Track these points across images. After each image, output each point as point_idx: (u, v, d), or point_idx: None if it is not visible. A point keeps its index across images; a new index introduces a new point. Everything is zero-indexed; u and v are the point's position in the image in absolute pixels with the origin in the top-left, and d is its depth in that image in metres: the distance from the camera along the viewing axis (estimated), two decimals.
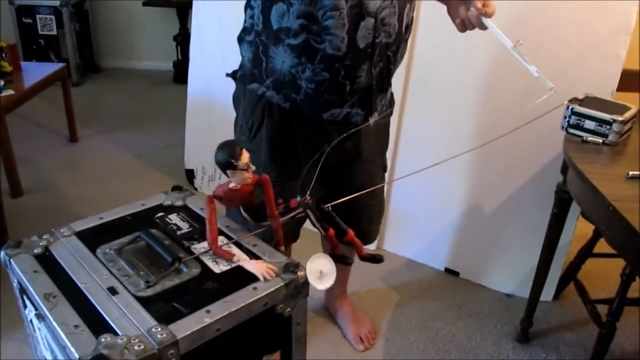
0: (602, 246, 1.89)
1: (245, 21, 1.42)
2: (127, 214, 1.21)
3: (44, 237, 1.11)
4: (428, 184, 2.34)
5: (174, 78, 4.61)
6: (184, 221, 1.19)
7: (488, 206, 2.30)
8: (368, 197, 1.65)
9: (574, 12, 1.94)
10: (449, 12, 1.36)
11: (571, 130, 1.70)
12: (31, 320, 1.06)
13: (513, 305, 2.26)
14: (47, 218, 2.74)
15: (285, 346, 1.08)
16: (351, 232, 1.12)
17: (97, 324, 0.89)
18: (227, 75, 1.53)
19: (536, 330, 2.10)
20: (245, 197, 1.05)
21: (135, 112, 4.02)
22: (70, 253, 1.07)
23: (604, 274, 2.34)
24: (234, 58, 1.53)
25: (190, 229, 1.16)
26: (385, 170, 1.75)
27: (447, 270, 2.45)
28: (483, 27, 1.25)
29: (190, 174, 3.07)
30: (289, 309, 1.03)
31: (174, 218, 1.20)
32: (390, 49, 1.40)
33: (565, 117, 1.71)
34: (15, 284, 1.08)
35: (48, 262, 1.05)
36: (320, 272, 1.02)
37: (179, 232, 1.15)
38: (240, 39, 1.46)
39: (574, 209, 1.88)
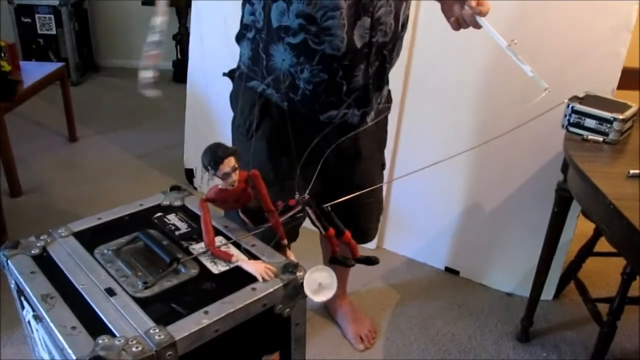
0: (602, 245, 1.88)
1: (244, 18, 1.41)
2: (125, 214, 1.21)
3: (41, 237, 1.11)
4: (428, 182, 2.33)
5: (173, 77, 4.60)
6: (182, 221, 1.18)
7: (488, 205, 2.29)
8: (367, 195, 1.64)
9: (574, 11, 1.93)
10: (443, 10, 1.35)
11: (571, 129, 1.70)
12: (29, 322, 1.05)
13: (513, 304, 2.25)
14: (46, 217, 2.73)
15: (284, 347, 1.07)
16: (348, 234, 1.11)
17: (95, 325, 0.89)
18: (224, 74, 1.52)
19: (537, 330, 2.10)
20: (238, 197, 1.05)
21: (134, 111, 4.01)
22: (68, 254, 1.07)
23: (605, 273, 2.34)
24: (233, 57, 1.53)
25: (189, 229, 1.16)
26: (383, 168, 1.75)
27: (447, 269, 2.45)
28: (477, 26, 1.25)
29: (189, 174, 3.07)
30: (288, 310, 1.02)
31: (172, 218, 1.19)
32: (386, 48, 1.39)
33: (565, 116, 1.70)
34: (12, 285, 1.08)
35: (45, 263, 1.04)
36: (319, 284, 1.02)
37: (177, 233, 1.14)
38: (241, 36, 1.45)
39: (575, 208, 1.88)
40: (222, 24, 2.56)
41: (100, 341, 0.85)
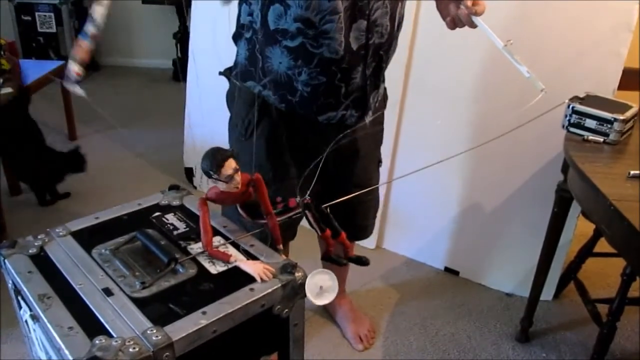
0: (602, 245, 1.88)
1: (241, 18, 1.40)
2: (124, 213, 1.20)
3: (39, 237, 1.10)
4: (428, 182, 2.33)
5: (173, 76, 4.60)
6: (180, 221, 1.18)
7: (488, 205, 2.29)
8: (365, 193, 1.65)
9: (575, 10, 1.93)
10: (439, 9, 1.35)
11: (572, 129, 1.69)
12: (26, 321, 1.05)
13: (513, 305, 2.25)
14: (45, 216, 2.73)
15: (282, 347, 1.07)
16: (343, 234, 1.11)
17: (92, 326, 0.89)
18: (220, 73, 1.52)
19: (536, 330, 2.09)
20: (238, 198, 1.04)
21: (134, 109, 4.01)
22: (65, 253, 1.06)
23: (605, 274, 2.34)
24: (232, 56, 1.52)
25: (187, 228, 1.15)
26: (380, 164, 1.75)
27: (446, 269, 2.44)
28: (473, 26, 1.24)
29: (189, 172, 3.06)
30: (286, 310, 1.02)
31: (170, 218, 1.19)
32: (382, 49, 1.39)
33: (566, 116, 1.70)
34: (10, 285, 1.07)
35: (43, 263, 1.04)
36: (320, 287, 1.01)
37: (175, 232, 1.14)
38: (238, 36, 1.44)
39: (575, 208, 1.87)
40: (222, 22, 2.55)
41: (97, 342, 0.84)
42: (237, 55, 1.47)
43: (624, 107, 1.66)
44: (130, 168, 3.24)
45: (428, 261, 2.48)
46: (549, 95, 1.72)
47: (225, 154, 0.99)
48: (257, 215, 1.09)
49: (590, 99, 1.71)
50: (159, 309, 0.93)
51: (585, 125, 1.67)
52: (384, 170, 2.40)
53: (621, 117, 1.61)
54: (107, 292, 0.96)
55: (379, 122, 1.66)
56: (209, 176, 0.99)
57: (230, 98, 1.53)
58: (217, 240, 1.10)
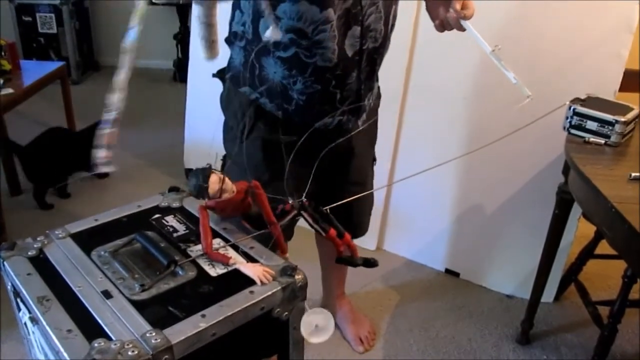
0: (603, 247, 1.87)
1: (234, 24, 1.39)
2: (123, 215, 1.20)
3: (38, 239, 1.10)
4: (428, 184, 2.33)
5: (174, 77, 4.60)
6: (180, 223, 1.17)
7: (489, 207, 2.28)
8: (359, 190, 1.64)
9: (576, 12, 1.92)
10: (428, 11, 1.35)
11: (573, 131, 1.69)
12: (25, 323, 1.05)
13: (514, 307, 2.25)
14: (45, 216, 2.73)
15: (282, 350, 1.07)
16: (348, 235, 1.11)
17: (91, 329, 0.88)
18: (214, 75, 1.51)
19: (537, 332, 2.09)
20: (237, 206, 1.04)
21: (135, 110, 4.00)
22: (64, 255, 1.06)
23: (606, 275, 2.33)
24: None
25: (187, 231, 1.15)
26: (374, 162, 1.75)
27: (447, 271, 2.44)
28: (462, 29, 1.24)
29: (189, 173, 3.06)
30: (286, 313, 1.01)
31: (170, 220, 1.18)
32: (376, 53, 1.39)
33: (567, 118, 1.69)
34: (9, 287, 1.07)
35: (42, 265, 1.04)
36: (315, 326, 1.01)
37: (175, 234, 1.13)
38: (230, 42, 1.44)
39: (576, 210, 1.87)
40: (223, 23, 2.55)
41: (95, 344, 0.84)
42: (231, 59, 1.46)
43: (625, 109, 1.66)
44: (130, 169, 3.23)
45: (428, 263, 2.48)
46: (550, 97, 1.72)
47: (203, 173, 1.00)
48: (261, 226, 1.08)
49: (591, 101, 1.71)
50: (158, 311, 0.92)
51: (586, 127, 1.66)
52: (384, 172, 2.41)
53: (622, 119, 1.61)
54: (106, 294, 0.96)
55: (374, 121, 1.66)
56: (203, 198, 0.99)
57: (225, 101, 1.52)
58: (217, 242, 1.09)
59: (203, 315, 0.91)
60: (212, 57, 0.95)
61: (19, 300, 1.04)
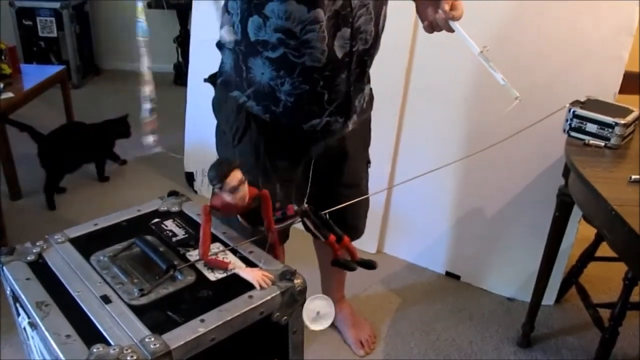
0: (604, 250, 1.87)
1: (224, 26, 1.39)
2: (122, 220, 1.20)
3: (37, 244, 1.10)
4: (429, 187, 2.32)
5: (174, 80, 4.60)
6: (179, 227, 1.18)
7: (489, 209, 2.28)
8: (354, 193, 1.64)
9: (576, 14, 1.92)
10: (418, 12, 1.35)
11: (573, 134, 1.69)
12: (24, 328, 1.05)
13: (514, 309, 2.24)
14: (46, 221, 2.73)
15: (282, 354, 1.07)
16: (347, 238, 1.11)
17: (90, 334, 0.88)
18: (205, 80, 1.51)
19: (538, 335, 2.08)
20: (242, 210, 1.04)
21: (135, 114, 4.00)
22: (63, 260, 1.06)
23: (606, 278, 2.32)
24: None
25: (186, 235, 1.15)
26: (369, 165, 1.75)
27: (447, 273, 2.43)
28: (450, 30, 1.24)
29: (190, 177, 3.06)
30: (285, 317, 1.01)
31: (169, 224, 1.19)
32: (367, 54, 1.39)
33: (567, 120, 1.69)
34: (8, 292, 1.07)
35: (41, 270, 1.04)
36: (317, 312, 1.01)
37: (174, 239, 1.13)
38: (221, 45, 1.44)
39: (576, 212, 1.86)
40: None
41: (94, 350, 0.84)
42: (222, 63, 1.46)
43: (625, 112, 1.65)
44: (131, 172, 3.23)
45: (429, 265, 2.48)
46: (549, 99, 1.72)
47: (231, 165, 0.99)
48: (256, 222, 1.08)
49: (591, 103, 1.71)
50: (157, 316, 0.92)
51: (586, 129, 1.66)
52: (384, 175, 2.40)
53: (622, 122, 1.60)
54: (105, 299, 0.96)
55: (366, 123, 1.66)
56: (214, 186, 0.99)
57: (217, 105, 1.52)
58: (216, 247, 1.09)
59: (202, 320, 0.91)
60: None
61: (18, 305, 1.04)
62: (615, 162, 1.61)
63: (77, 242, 1.12)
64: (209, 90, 2.88)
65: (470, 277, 2.39)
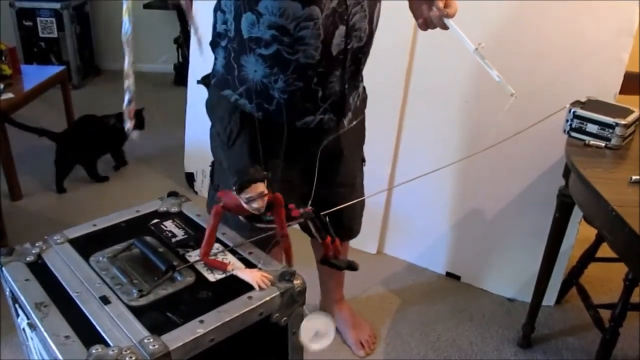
0: (604, 250, 1.87)
1: (217, 26, 1.39)
2: (122, 220, 1.20)
3: (36, 244, 1.10)
4: (429, 187, 2.32)
5: (174, 80, 4.60)
6: (179, 228, 1.17)
7: (489, 210, 2.28)
8: (350, 193, 1.65)
9: (576, 15, 1.92)
10: (412, 9, 1.35)
11: (573, 134, 1.69)
12: (24, 329, 1.04)
13: (515, 310, 2.24)
14: (46, 221, 2.73)
15: (281, 356, 1.06)
16: (337, 240, 1.10)
17: (89, 335, 0.88)
18: (199, 82, 1.51)
19: (538, 335, 2.08)
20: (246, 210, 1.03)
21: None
22: (63, 261, 1.06)
23: (607, 279, 2.32)
24: None
25: (186, 236, 1.15)
26: (364, 163, 1.75)
27: (448, 274, 2.43)
28: (445, 28, 1.24)
29: (190, 178, 3.06)
30: (285, 318, 1.01)
31: (169, 225, 1.18)
32: (361, 52, 1.39)
33: (567, 121, 1.69)
34: (7, 292, 1.07)
35: (40, 270, 1.04)
36: (316, 331, 1.01)
37: (173, 240, 1.13)
38: (215, 44, 1.43)
39: (577, 213, 1.86)
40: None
41: (93, 351, 0.84)
42: (215, 63, 1.46)
43: (626, 112, 1.65)
44: (131, 173, 3.23)
45: (429, 266, 2.47)
46: (550, 100, 1.71)
47: (254, 176, 0.96)
48: (255, 218, 1.08)
49: (591, 104, 1.70)
50: (156, 317, 0.92)
51: (587, 130, 1.66)
52: (385, 176, 2.40)
53: (623, 122, 1.60)
54: (104, 300, 0.96)
55: (361, 121, 1.66)
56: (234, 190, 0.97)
57: (210, 106, 1.52)
58: (215, 247, 1.09)
59: (201, 321, 0.91)
60: None
61: (17, 306, 1.04)
62: (615, 162, 1.60)
63: (76, 243, 1.11)
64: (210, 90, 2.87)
65: (470, 278, 2.39)
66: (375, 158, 2.26)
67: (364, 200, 1.84)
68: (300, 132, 1.42)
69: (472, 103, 2.17)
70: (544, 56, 2.00)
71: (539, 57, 2.01)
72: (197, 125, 2.94)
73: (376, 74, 2.18)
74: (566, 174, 1.75)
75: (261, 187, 0.96)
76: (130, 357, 0.82)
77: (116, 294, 0.97)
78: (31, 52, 4.36)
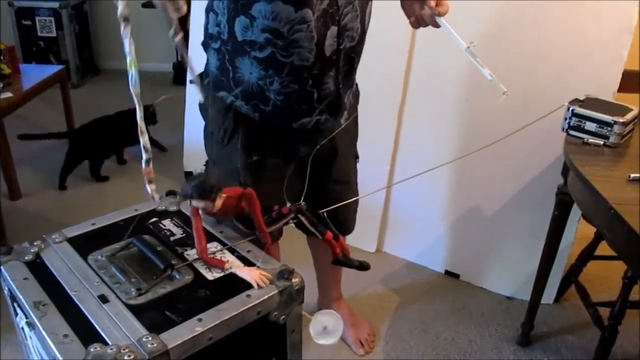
0: (603, 248, 1.87)
1: (209, 27, 1.38)
2: (120, 219, 1.20)
3: (35, 243, 1.10)
4: (428, 186, 2.32)
5: (173, 80, 4.59)
6: (177, 227, 1.17)
7: (488, 208, 2.28)
8: (344, 189, 1.65)
9: (575, 13, 1.92)
10: (403, 8, 1.35)
11: (572, 132, 1.69)
12: (22, 328, 1.04)
13: (514, 308, 2.24)
14: (45, 221, 2.73)
15: (279, 354, 1.06)
16: (342, 238, 1.11)
17: (87, 333, 0.88)
18: (191, 82, 1.50)
19: (537, 333, 2.08)
20: (230, 210, 1.04)
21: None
22: (61, 260, 1.06)
23: (606, 277, 2.32)
24: None
25: (184, 234, 1.15)
26: (357, 160, 1.75)
27: (447, 272, 2.43)
28: (436, 26, 1.24)
29: (189, 176, 3.05)
30: (283, 317, 1.01)
31: (167, 223, 1.18)
32: (354, 52, 1.39)
33: (565, 119, 1.69)
34: (6, 291, 1.07)
35: (39, 269, 1.04)
36: (324, 327, 1.01)
37: (172, 238, 1.13)
38: (206, 45, 1.43)
39: (575, 211, 1.86)
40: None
41: (92, 349, 0.84)
42: (207, 64, 1.46)
43: (624, 110, 1.65)
44: (130, 172, 3.23)
45: (428, 264, 2.47)
46: (549, 98, 1.71)
47: (201, 192, 1.00)
48: (254, 228, 1.08)
49: (590, 102, 1.70)
50: (155, 316, 0.92)
51: (585, 128, 1.66)
52: (384, 174, 2.40)
53: (621, 120, 1.60)
54: (103, 299, 0.96)
55: (354, 119, 1.66)
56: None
57: (204, 106, 1.52)
58: (213, 246, 1.09)
59: (199, 320, 0.91)
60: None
61: (15, 305, 1.04)
62: (614, 160, 1.60)
63: (74, 242, 1.11)
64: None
65: (469, 276, 2.39)
66: (374, 156, 2.26)
67: (357, 195, 1.84)
68: (296, 133, 1.42)
69: (472, 101, 2.17)
70: (542, 55, 1.99)
71: (538, 56, 2.01)
72: (196, 124, 2.94)
73: (375, 73, 2.19)
74: (565, 172, 1.75)
75: (200, 204, 1.00)
76: (129, 356, 0.83)
77: (115, 293, 0.97)
78: (30, 52, 4.35)
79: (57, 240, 1.12)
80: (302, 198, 1.06)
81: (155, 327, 0.89)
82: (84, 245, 1.10)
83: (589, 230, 1.99)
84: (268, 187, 1.42)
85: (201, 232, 1.02)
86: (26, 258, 1.06)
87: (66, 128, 3.47)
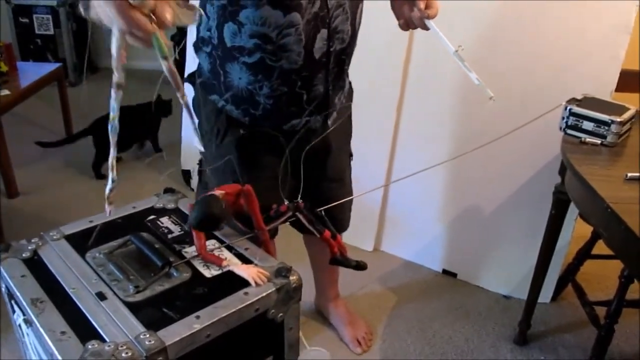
0: (600, 247, 1.87)
1: (201, 31, 1.38)
2: (118, 217, 1.20)
3: (32, 240, 1.10)
4: (426, 185, 2.32)
5: None
6: (175, 224, 1.17)
7: (486, 207, 2.28)
8: (338, 187, 1.65)
9: (573, 12, 1.92)
10: (393, 10, 1.35)
11: (569, 131, 1.69)
12: (20, 325, 1.04)
13: (511, 307, 2.24)
14: (43, 219, 2.72)
15: (277, 352, 1.07)
16: (339, 237, 1.11)
17: (85, 330, 0.88)
18: (185, 80, 1.50)
19: (534, 332, 2.09)
20: (229, 209, 1.04)
21: None
22: (59, 257, 1.06)
23: (603, 276, 2.33)
24: None
25: (182, 232, 1.15)
26: (351, 158, 1.75)
27: (444, 271, 2.44)
28: (426, 28, 1.25)
29: (186, 175, 3.05)
30: (280, 314, 1.01)
31: (165, 221, 1.18)
32: (344, 53, 1.39)
33: (563, 118, 1.69)
34: (3, 289, 1.07)
35: (36, 267, 1.04)
36: None
37: (170, 236, 1.13)
38: (197, 48, 1.42)
39: (573, 210, 1.87)
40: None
41: (89, 346, 0.84)
42: (199, 66, 1.45)
43: (622, 109, 1.65)
44: (127, 170, 3.23)
45: (426, 263, 2.48)
46: (546, 97, 1.72)
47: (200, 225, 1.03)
48: (253, 226, 1.08)
49: (587, 101, 1.70)
50: (153, 313, 0.92)
51: (583, 127, 1.66)
52: (381, 173, 2.40)
53: (619, 119, 1.60)
54: (101, 296, 0.96)
55: (348, 117, 1.66)
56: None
57: (197, 106, 1.51)
58: (211, 243, 1.09)
59: (197, 317, 0.91)
60: None
61: (13, 302, 1.04)
62: (611, 159, 1.61)
63: (72, 239, 1.11)
64: None
65: (466, 275, 2.39)
66: (373, 155, 2.26)
67: (351, 192, 1.84)
68: (287, 134, 1.42)
69: (470, 101, 2.17)
70: (540, 54, 2.00)
71: (535, 55, 2.01)
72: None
73: (373, 72, 2.20)
74: (562, 171, 1.75)
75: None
76: (127, 353, 0.83)
77: (112, 290, 0.97)
78: (27, 49, 4.34)
79: (54, 237, 1.11)
80: (300, 196, 1.06)
81: (153, 324, 0.89)
82: (82, 242, 1.10)
83: (586, 229, 1.99)
84: (263, 185, 1.42)
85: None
86: (24, 255, 1.06)
87: (64, 125, 3.47)
